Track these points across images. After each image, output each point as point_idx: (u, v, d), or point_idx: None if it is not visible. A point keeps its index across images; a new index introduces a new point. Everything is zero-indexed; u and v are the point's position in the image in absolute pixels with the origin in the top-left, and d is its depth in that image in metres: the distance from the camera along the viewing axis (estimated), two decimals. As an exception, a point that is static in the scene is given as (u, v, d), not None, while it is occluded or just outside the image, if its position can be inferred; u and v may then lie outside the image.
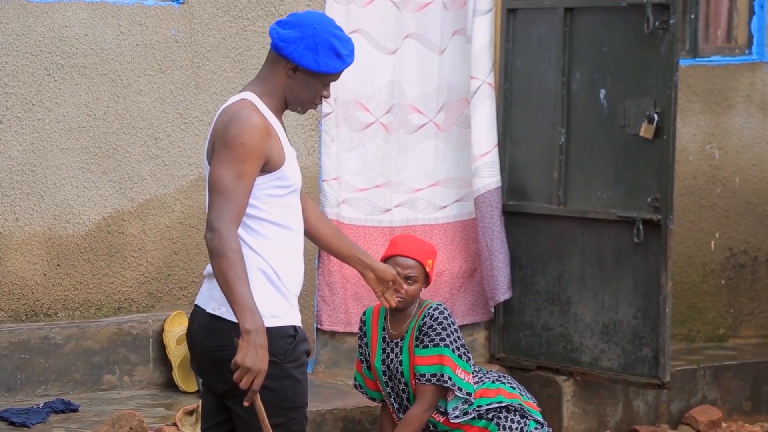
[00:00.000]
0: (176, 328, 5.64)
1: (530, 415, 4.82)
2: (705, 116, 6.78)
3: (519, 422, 4.78)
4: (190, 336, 3.74)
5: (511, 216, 6.27)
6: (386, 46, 6.14)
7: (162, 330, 5.65)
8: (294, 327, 3.64)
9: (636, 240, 5.81)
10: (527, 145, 6.30)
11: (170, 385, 5.63)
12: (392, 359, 4.75)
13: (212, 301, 3.63)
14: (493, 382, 4.84)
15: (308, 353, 3.71)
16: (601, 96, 5.98)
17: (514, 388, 4.88)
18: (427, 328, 4.69)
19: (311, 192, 5.98)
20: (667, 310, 5.74)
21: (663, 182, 5.75)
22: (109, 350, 5.57)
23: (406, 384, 4.71)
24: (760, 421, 6.51)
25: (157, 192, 5.68)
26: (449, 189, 6.34)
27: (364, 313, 4.89)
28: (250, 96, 3.64)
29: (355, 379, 4.99)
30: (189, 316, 3.79)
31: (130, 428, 4.96)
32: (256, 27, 5.82)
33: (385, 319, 4.83)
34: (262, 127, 3.56)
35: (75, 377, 5.52)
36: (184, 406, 5.22)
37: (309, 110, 3.78)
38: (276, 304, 3.61)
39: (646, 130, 5.79)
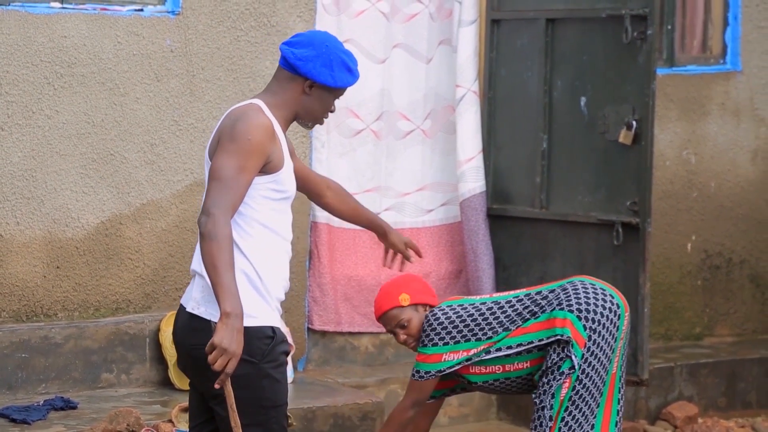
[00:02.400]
0: (172, 327, 5.68)
1: (574, 357, 4.32)
2: (681, 123, 6.82)
3: (560, 356, 4.33)
4: (175, 334, 3.77)
5: (495, 219, 6.32)
6: (376, 56, 6.19)
7: (158, 330, 5.68)
8: (272, 328, 3.64)
9: (615, 242, 5.86)
10: (511, 151, 6.34)
11: (166, 383, 5.66)
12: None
13: (192, 300, 3.66)
14: (554, 309, 4.35)
15: (287, 353, 3.72)
16: (582, 103, 6.03)
17: (571, 311, 4.33)
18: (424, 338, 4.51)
19: (300, 197, 6.00)
20: (646, 310, 5.79)
21: (641, 187, 5.80)
22: (107, 349, 5.60)
23: (469, 383, 4.55)
24: (735, 416, 6.56)
25: (153, 196, 5.73)
26: (436, 193, 6.40)
27: None
28: (260, 103, 3.72)
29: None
30: (177, 313, 3.78)
31: (128, 425, 5.00)
32: (248, 37, 5.88)
33: None
34: (268, 127, 3.64)
35: (74, 376, 5.54)
36: (179, 404, 5.24)
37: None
38: (254, 304, 3.61)
39: (625, 137, 5.83)
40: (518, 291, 4.53)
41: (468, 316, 4.46)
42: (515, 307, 4.45)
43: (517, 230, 6.28)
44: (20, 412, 5.20)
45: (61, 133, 5.56)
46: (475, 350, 4.41)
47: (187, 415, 5.12)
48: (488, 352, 4.41)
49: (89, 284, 5.65)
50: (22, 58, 5.48)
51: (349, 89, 6.03)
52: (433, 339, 4.44)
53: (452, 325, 4.44)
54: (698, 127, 6.87)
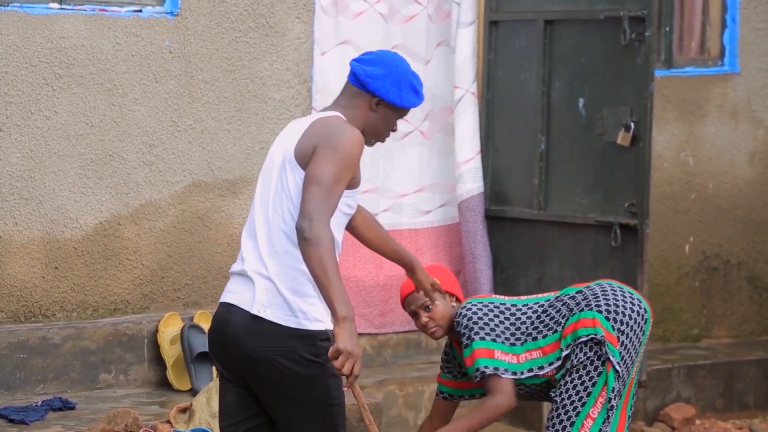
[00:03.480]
0: (170, 328, 5.70)
1: (610, 356, 4.25)
2: (679, 125, 6.83)
3: (594, 355, 4.28)
4: (224, 334, 3.74)
5: (493, 220, 6.33)
6: (374, 58, 6.25)
7: (156, 330, 5.69)
8: (329, 331, 3.70)
9: (613, 244, 5.88)
10: (509, 152, 6.35)
11: (164, 384, 5.67)
12: None
13: (256, 302, 3.69)
14: (582, 310, 4.33)
15: None
16: (580, 105, 6.05)
17: (599, 312, 4.30)
18: (459, 336, 4.45)
19: (300, 197, 6.06)
20: (643, 311, 5.87)
21: (639, 188, 5.82)
22: (106, 350, 5.61)
23: None
24: (732, 418, 6.57)
25: (151, 197, 5.74)
26: (434, 194, 6.41)
27: (450, 340, 4.62)
28: (342, 116, 3.79)
29: (440, 391, 4.63)
30: (220, 314, 3.75)
31: (126, 425, 5.00)
32: (247, 38, 5.90)
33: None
34: (362, 144, 3.73)
35: (72, 376, 5.56)
36: (177, 404, 5.27)
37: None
38: (318, 308, 3.69)
39: (623, 138, 5.85)
40: (547, 294, 4.51)
41: (515, 319, 4.42)
42: (550, 313, 4.42)
43: (516, 231, 6.30)
44: (18, 412, 5.21)
45: (59, 133, 5.58)
46: (519, 355, 4.36)
47: (185, 416, 5.20)
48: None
49: (87, 285, 5.67)
50: (20, 58, 5.49)
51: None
52: (489, 334, 4.35)
53: (503, 326, 4.39)
54: (696, 129, 6.89)
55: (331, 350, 3.50)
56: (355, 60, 3.86)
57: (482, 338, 4.34)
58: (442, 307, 4.39)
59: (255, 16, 5.90)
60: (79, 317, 5.64)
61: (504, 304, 4.46)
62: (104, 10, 5.65)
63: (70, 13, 5.56)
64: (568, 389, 4.30)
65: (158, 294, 5.80)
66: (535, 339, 4.38)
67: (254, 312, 3.70)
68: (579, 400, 4.29)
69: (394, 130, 3.89)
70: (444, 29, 6.35)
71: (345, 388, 3.58)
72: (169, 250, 5.80)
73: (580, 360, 4.30)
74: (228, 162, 5.91)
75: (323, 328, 3.71)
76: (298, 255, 3.63)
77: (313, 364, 3.67)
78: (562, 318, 4.39)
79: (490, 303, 4.45)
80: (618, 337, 4.32)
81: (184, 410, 5.25)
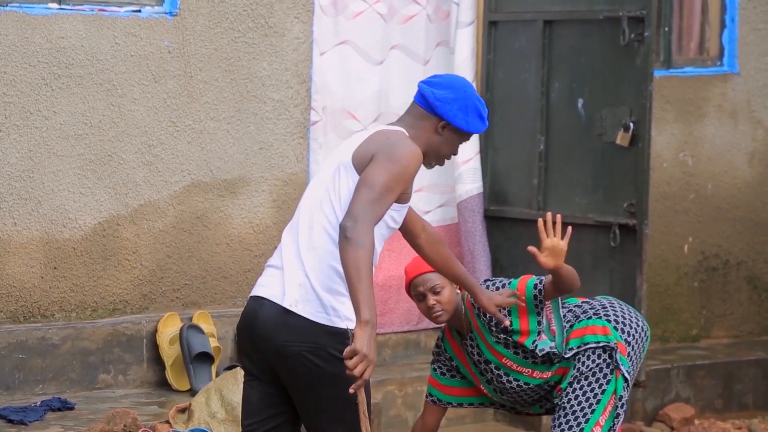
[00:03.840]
0: (169, 328, 5.70)
1: (619, 364, 4.30)
2: (678, 125, 6.84)
3: (603, 362, 4.30)
4: (253, 327, 3.74)
5: (493, 220, 6.34)
6: (373, 57, 6.22)
7: (155, 331, 5.70)
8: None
9: (612, 244, 5.89)
10: (508, 152, 6.37)
11: (163, 384, 5.68)
12: (477, 357, 4.51)
13: (288, 296, 3.70)
14: (590, 318, 4.39)
15: None
16: (579, 105, 6.06)
17: (608, 321, 4.36)
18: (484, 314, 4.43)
19: (298, 198, 5.99)
20: (643, 311, 5.81)
21: (638, 188, 5.83)
22: (104, 350, 5.62)
23: (498, 367, 4.49)
24: (732, 418, 6.58)
25: (150, 197, 5.75)
26: (433, 194, 6.41)
27: (441, 333, 4.63)
28: (405, 132, 3.82)
29: (429, 393, 4.61)
30: (250, 308, 3.75)
31: (125, 426, 5.01)
32: (246, 38, 5.90)
33: (454, 329, 4.61)
34: (420, 160, 3.76)
35: (71, 376, 5.56)
36: (176, 404, 5.28)
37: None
38: (349, 309, 3.69)
39: (622, 138, 5.86)
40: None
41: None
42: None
43: (515, 232, 6.31)
44: (17, 412, 5.21)
45: (58, 134, 5.58)
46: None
47: (184, 416, 5.20)
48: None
49: (86, 285, 5.67)
50: (19, 58, 5.50)
51: (346, 90, 6.18)
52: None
53: None
54: (695, 129, 6.90)
55: (347, 349, 3.51)
56: (423, 82, 3.89)
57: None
58: (449, 292, 4.38)
59: (254, 16, 5.91)
60: (78, 317, 5.65)
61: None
62: (103, 10, 5.65)
63: (69, 13, 5.56)
64: (577, 395, 4.32)
65: (157, 294, 5.81)
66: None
67: (286, 306, 3.70)
68: (588, 406, 4.30)
69: (455, 154, 3.93)
70: (443, 29, 6.36)
71: (350, 391, 3.58)
72: (168, 250, 5.81)
73: (590, 367, 4.32)
74: (227, 162, 5.92)
75: (353, 327, 3.68)
76: (336, 254, 3.66)
77: (340, 361, 3.65)
78: (566, 322, 4.40)
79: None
80: (626, 347, 4.36)
81: (183, 410, 5.26)
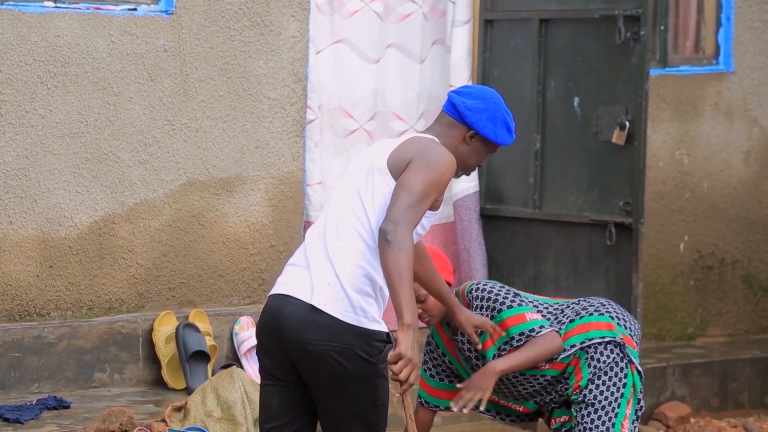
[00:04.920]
0: (165, 327, 5.70)
1: (632, 358, 4.33)
2: (674, 124, 6.84)
3: (617, 356, 4.33)
4: (277, 325, 3.73)
5: (489, 219, 6.35)
6: (369, 56, 6.22)
7: (151, 329, 5.69)
8: (388, 333, 3.76)
9: (608, 243, 5.91)
10: (504, 151, 6.19)
11: (159, 383, 5.68)
12: (467, 353, 4.51)
13: (316, 295, 3.70)
14: (591, 314, 4.40)
15: None
16: (575, 104, 6.07)
17: (611, 317, 4.39)
18: (481, 309, 4.40)
19: (295, 196, 6.06)
20: (639, 310, 5.83)
21: (634, 187, 5.84)
22: (100, 349, 5.61)
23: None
24: (727, 417, 6.57)
25: (146, 196, 5.75)
26: (429, 193, 6.46)
27: (432, 329, 4.63)
28: (433, 137, 3.86)
29: (420, 397, 4.63)
30: (273, 306, 3.73)
31: (120, 424, 5.01)
32: (242, 37, 5.90)
33: (445, 323, 4.61)
34: (454, 169, 3.80)
35: (67, 375, 5.56)
36: (172, 403, 5.27)
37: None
38: (378, 310, 3.74)
39: (618, 137, 5.87)
40: (546, 298, 4.54)
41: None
42: (551, 310, 4.45)
43: (511, 230, 6.31)
44: (13, 411, 5.21)
45: (54, 132, 5.58)
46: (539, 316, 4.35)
47: (180, 414, 5.20)
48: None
49: (82, 284, 5.67)
50: (15, 57, 5.49)
51: (342, 89, 6.18)
52: (504, 302, 4.34)
53: (513, 293, 4.39)
54: (691, 128, 6.90)
55: (392, 354, 3.54)
56: (453, 91, 3.94)
57: (509, 306, 4.35)
58: (432, 300, 4.36)
59: (250, 14, 5.90)
60: (73, 316, 5.65)
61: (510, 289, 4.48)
62: (99, 8, 5.65)
63: (65, 11, 5.56)
64: (602, 391, 4.33)
65: (153, 293, 5.80)
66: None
67: (315, 304, 3.69)
68: (615, 400, 4.32)
69: (481, 165, 3.98)
70: (439, 28, 6.36)
71: (397, 395, 3.62)
72: (164, 248, 5.80)
73: (606, 363, 4.34)
74: (223, 161, 5.91)
75: (380, 329, 3.74)
76: (367, 255, 3.69)
77: (366, 362, 3.69)
78: (566, 319, 4.41)
79: (496, 283, 4.47)
80: (633, 340, 4.39)
81: (179, 409, 5.25)
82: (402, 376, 3.54)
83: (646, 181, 5.87)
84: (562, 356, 4.38)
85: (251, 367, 5.80)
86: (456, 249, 6.40)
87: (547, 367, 4.38)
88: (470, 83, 6.30)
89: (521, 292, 4.51)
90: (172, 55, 5.76)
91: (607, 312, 4.42)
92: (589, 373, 4.33)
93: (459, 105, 3.88)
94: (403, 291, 3.54)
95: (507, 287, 4.45)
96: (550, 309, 4.48)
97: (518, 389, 4.48)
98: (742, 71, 7.01)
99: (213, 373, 5.63)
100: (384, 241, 3.57)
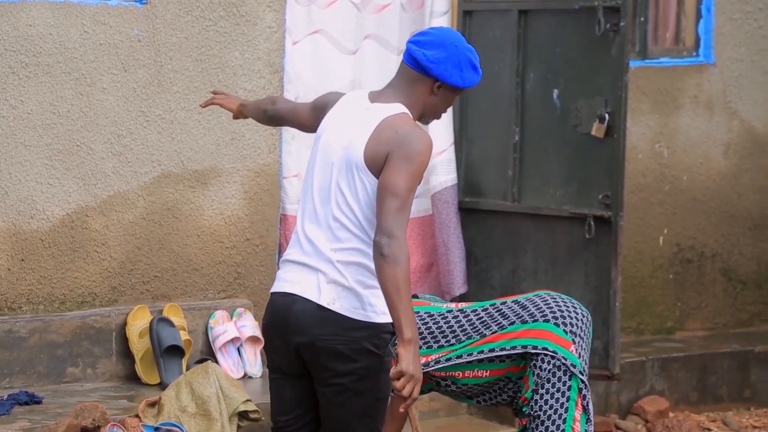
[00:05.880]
0: (139, 321, 5.67)
1: (571, 366, 4.37)
2: (654, 116, 6.85)
3: (556, 367, 4.38)
4: (285, 322, 3.78)
5: (467, 212, 6.33)
6: (347, 47, 6.19)
7: (125, 324, 5.66)
8: (391, 324, 3.76)
9: (587, 236, 5.89)
10: (482, 144, 6.36)
11: (133, 378, 5.65)
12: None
13: (324, 295, 3.75)
14: (537, 321, 4.41)
15: None
16: (554, 96, 6.05)
17: (548, 322, 4.39)
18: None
19: (271, 189, 6.03)
20: (617, 303, 5.83)
21: (613, 180, 5.83)
22: (73, 343, 5.58)
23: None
24: (706, 411, 6.60)
25: (120, 188, 5.71)
26: (406, 186, 6.44)
27: None
28: (405, 110, 3.78)
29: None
30: (279, 304, 3.79)
31: (93, 420, 4.98)
32: (217, 27, 5.86)
33: None
34: (432, 147, 3.75)
35: (39, 370, 5.52)
36: (146, 398, 5.24)
37: None
38: (381, 301, 3.74)
39: (597, 130, 5.87)
40: (482, 302, 4.55)
41: (432, 323, 4.47)
42: (481, 317, 4.45)
43: (489, 223, 6.30)
44: (-16, 406, 5.15)
45: (25, 123, 5.53)
46: (434, 356, 4.43)
47: (154, 410, 5.16)
48: (449, 359, 4.41)
49: (54, 277, 5.63)
50: (-14, 47, 5.44)
51: (319, 80, 6.14)
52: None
53: (428, 331, 4.46)
54: (671, 120, 6.90)
55: (393, 371, 3.59)
56: (412, 42, 3.81)
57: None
58: None
59: (225, 4, 5.87)
60: (45, 310, 5.61)
61: (437, 312, 4.50)
62: (72, -3, 5.61)
63: (37, 0, 5.50)
64: (546, 400, 4.34)
65: (127, 287, 5.77)
66: (460, 341, 4.42)
67: (323, 304, 3.75)
68: (561, 406, 4.33)
69: (450, 107, 3.93)
70: (417, 19, 6.33)
71: (401, 410, 3.66)
72: (137, 242, 5.76)
73: (544, 375, 4.35)
74: (198, 153, 5.87)
75: (387, 321, 3.76)
76: (364, 251, 3.73)
77: (373, 355, 3.75)
78: (507, 321, 4.42)
79: (420, 311, 4.51)
80: (573, 340, 4.37)
81: (152, 404, 5.22)
82: (405, 392, 3.59)
83: (625, 173, 5.86)
84: (497, 353, 4.37)
85: (226, 362, 5.77)
86: (434, 242, 6.39)
87: (487, 374, 4.41)
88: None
89: (437, 306, 4.52)
90: (146, 46, 5.72)
91: (543, 316, 4.39)
92: (533, 383, 4.36)
93: (421, 59, 3.77)
94: (402, 306, 3.56)
95: (420, 319, 4.47)
96: (471, 317, 4.46)
97: (463, 390, 4.52)
98: (723, 63, 7.01)
99: (188, 368, 5.60)
100: (379, 255, 3.59)
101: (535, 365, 4.36)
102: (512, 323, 4.41)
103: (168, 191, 5.82)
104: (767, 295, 7.27)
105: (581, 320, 4.45)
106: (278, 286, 3.85)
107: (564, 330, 4.38)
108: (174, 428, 5.06)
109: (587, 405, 4.36)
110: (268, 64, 5.99)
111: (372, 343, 3.76)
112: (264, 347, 3.94)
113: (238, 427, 5.19)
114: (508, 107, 6.20)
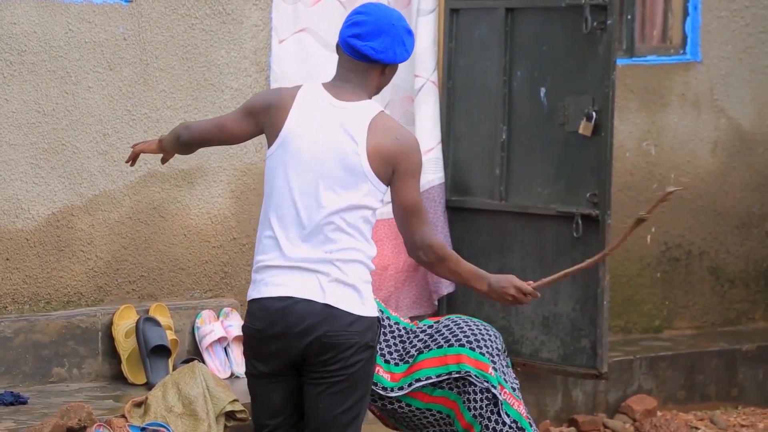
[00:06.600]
0: (125, 321, 5.65)
1: (479, 380, 4.60)
2: (641, 114, 6.86)
3: (492, 411, 4.60)
4: (284, 324, 3.84)
5: (454, 211, 6.33)
6: (333, 45, 6.14)
7: (111, 323, 5.64)
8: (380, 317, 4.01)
9: (575, 235, 5.90)
10: (470, 142, 6.36)
11: (119, 378, 5.63)
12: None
13: (327, 293, 3.84)
14: (440, 347, 4.65)
15: None
16: (542, 94, 6.06)
17: (462, 346, 4.64)
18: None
19: (258, 188, 6.01)
20: (605, 302, 5.83)
21: (601, 178, 5.83)
22: (59, 343, 5.56)
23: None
24: (694, 409, 6.61)
25: (105, 187, 5.69)
26: (394, 184, 6.45)
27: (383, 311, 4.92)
28: (377, 105, 3.91)
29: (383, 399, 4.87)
30: (274, 307, 3.84)
31: (79, 420, 4.95)
32: (203, 25, 5.84)
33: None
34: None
35: (24, 370, 5.50)
36: (132, 398, 5.21)
37: None
38: (372, 297, 3.93)
39: (584, 128, 5.87)
40: (405, 322, 4.73)
41: (406, 338, 4.71)
42: (405, 343, 4.67)
43: (476, 222, 6.30)
44: (-31, 407, 5.13)
45: (10, 122, 5.50)
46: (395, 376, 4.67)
47: (140, 410, 5.15)
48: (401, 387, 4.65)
49: (40, 277, 5.60)
50: (-30, 45, 5.42)
51: (305, 79, 6.12)
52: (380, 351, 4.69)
53: (393, 346, 4.68)
54: (658, 118, 6.91)
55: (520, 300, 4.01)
56: (352, 36, 3.87)
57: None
58: None
59: (211, 2, 5.85)
60: (31, 310, 5.59)
61: (398, 324, 4.72)
62: (56, -5, 5.59)
63: (22, -2, 5.51)
64: (487, 426, 4.53)
65: (113, 286, 5.75)
66: (398, 364, 4.62)
67: (329, 303, 3.84)
68: (503, 424, 4.53)
69: None
70: (404, 17, 6.32)
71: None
72: (123, 241, 5.74)
73: (477, 409, 4.53)
74: (184, 151, 5.86)
75: (376, 315, 3.93)
76: (362, 249, 3.86)
77: (370, 349, 3.88)
78: (415, 350, 4.61)
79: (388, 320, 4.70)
80: (489, 365, 4.55)
81: (139, 404, 5.19)
82: (527, 300, 4.05)
83: (613, 172, 5.86)
84: (415, 386, 4.58)
85: (213, 362, 5.76)
86: (421, 241, 6.38)
87: (424, 400, 4.61)
88: (435, 73, 6.27)
89: (403, 321, 4.74)
90: (131, 44, 5.70)
91: (458, 341, 4.57)
92: (470, 415, 4.52)
93: (370, 54, 3.86)
94: (468, 279, 3.97)
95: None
96: (405, 339, 4.68)
97: (414, 422, 4.65)
98: (710, 61, 7.02)
99: (174, 368, 5.58)
100: (426, 265, 3.92)
101: (464, 393, 4.54)
102: (420, 352, 4.60)
103: (154, 190, 5.80)
104: (755, 294, 7.28)
105: (493, 341, 4.63)
106: (268, 291, 3.87)
107: (480, 353, 4.56)
108: (160, 428, 5.04)
109: (526, 416, 4.56)
110: (254, 62, 5.97)
111: (370, 337, 3.88)
112: (252, 353, 3.94)
113: (225, 427, 5.17)
114: (495, 106, 6.19)
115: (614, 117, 5.84)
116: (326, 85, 3.93)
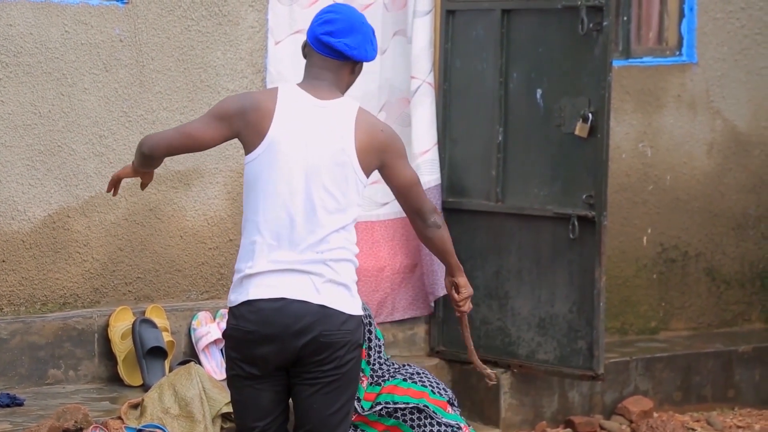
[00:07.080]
0: (121, 323, 5.65)
1: (437, 416, 4.79)
2: (637, 115, 6.87)
3: (431, 424, 4.81)
4: (281, 325, 3.87)
5: (451, 212, 6.32)
6: (329, 47, 6.21)
7: (107, 325, 5.64)
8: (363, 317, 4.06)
9: (571, 236, 5.90)
10: (466, 144, 6.36)
11: (115, 380, 5.63)
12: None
13: (322, 293, 3.88)
14: (405, 379, 4.85)
15: None
16: (538, 95, 6.06)
17: (424, 386, 4.85)
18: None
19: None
20: (602, 303, 5.83)
21: (597, 180, 5.84)
22: (55, 345, 5.56)
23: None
24: (690, 410, 6.61)
25: (102, 189, 5.68)
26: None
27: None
28: (356, 102, 4.00)
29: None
30: (269, 307, 3.87)
31: (75, 422, 4.96)
32: (199, 27, 5.85)
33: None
34: None
35: (20, 372, 5.50)
36: (129, 400, 5.22)
37: None
38: (359, 296, 4.00)
39: (580, 129, 5.87)
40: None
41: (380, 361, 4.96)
42: (383, 367, 4.89)
43: (473, 224, 6.30)
44: (-35, 409, 5.13)
45: (6, 124, 5.50)
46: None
47: (136, 412, 5.16)
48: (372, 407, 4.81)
49: (36, 278, 5.60)
50: (-34, 47, 5.42)
51: (301, 80, 6.13)
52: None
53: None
54: (654, 120, 6.92)
55: (464, 295, 4.26)
56: (325, 34, 3.93)
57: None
58: None
59: (207, 4, 5.85)
60: (27, 311, 5.59)
61: (379, 340, 4.92)
62: (53, -3, 5.59)
63: (18, 0, 5.47)
64: None
65: (109, 288, 5.74)
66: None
67: (324, 303, 3.88)
68: None
69: None
70: (400, 19, 6.33)
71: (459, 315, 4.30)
72: (120, 243, 5.74)
73: None
74: (180, 153, 5.85)
75: (362, 314, 4.00)
76: (350, 248, 3.93)
77: (359, 348, 3.95)
78: (380, 379, 4.82)
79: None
80: (447, 401, 4.80)
81: (135, 406, 5.20)
82: (467, 308, 4.29)
83: (609, 173, 5.87)
84: (367, 413, 4.74)
85: (209, 363, 5.75)
86: (418, 243, 6.37)
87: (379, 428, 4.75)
88: (432, 75, 6.28)
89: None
90: (127, 46, 5.69)
91: (420, 381, 4.80)
92: None
93: (345, 51, 3.93)
94: (453, 250, 4.24)
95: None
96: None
97: None
98: (705, 62, 7.02)
99: (170, 370, 5.59)
100: (437, 228, 4.14)
101: (419, 427, 4.71)
102: (385, 380, 4.77)
103: (150, 192, 5.80)
104: (751, 295, 7.28)
105: (447, 390, 4.85)
106: (260, 293, 3.87)
107: (437, 393, 4.76)
108: (157, 430, 5.04)
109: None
110: (250, 64, 5.97)
111: (359, 335, 3.94)
112: (241, 355, 3.93)
113: (221, 428, 5.17)
114: (492, 107, 6.19)
115: (610, 118, 5.85)
116: (302, 86, 3.94)
